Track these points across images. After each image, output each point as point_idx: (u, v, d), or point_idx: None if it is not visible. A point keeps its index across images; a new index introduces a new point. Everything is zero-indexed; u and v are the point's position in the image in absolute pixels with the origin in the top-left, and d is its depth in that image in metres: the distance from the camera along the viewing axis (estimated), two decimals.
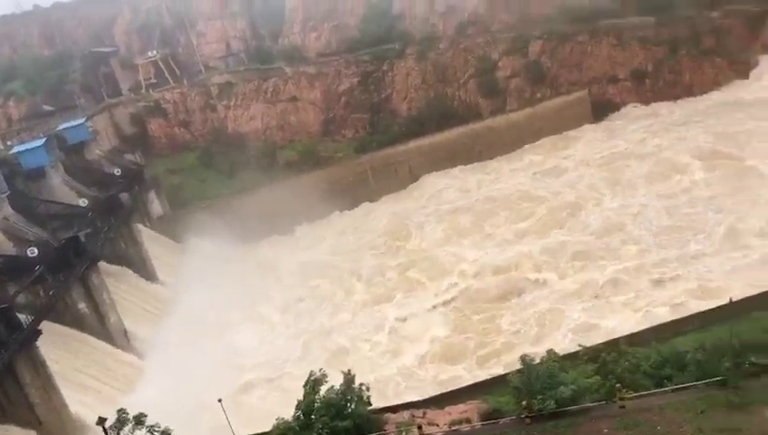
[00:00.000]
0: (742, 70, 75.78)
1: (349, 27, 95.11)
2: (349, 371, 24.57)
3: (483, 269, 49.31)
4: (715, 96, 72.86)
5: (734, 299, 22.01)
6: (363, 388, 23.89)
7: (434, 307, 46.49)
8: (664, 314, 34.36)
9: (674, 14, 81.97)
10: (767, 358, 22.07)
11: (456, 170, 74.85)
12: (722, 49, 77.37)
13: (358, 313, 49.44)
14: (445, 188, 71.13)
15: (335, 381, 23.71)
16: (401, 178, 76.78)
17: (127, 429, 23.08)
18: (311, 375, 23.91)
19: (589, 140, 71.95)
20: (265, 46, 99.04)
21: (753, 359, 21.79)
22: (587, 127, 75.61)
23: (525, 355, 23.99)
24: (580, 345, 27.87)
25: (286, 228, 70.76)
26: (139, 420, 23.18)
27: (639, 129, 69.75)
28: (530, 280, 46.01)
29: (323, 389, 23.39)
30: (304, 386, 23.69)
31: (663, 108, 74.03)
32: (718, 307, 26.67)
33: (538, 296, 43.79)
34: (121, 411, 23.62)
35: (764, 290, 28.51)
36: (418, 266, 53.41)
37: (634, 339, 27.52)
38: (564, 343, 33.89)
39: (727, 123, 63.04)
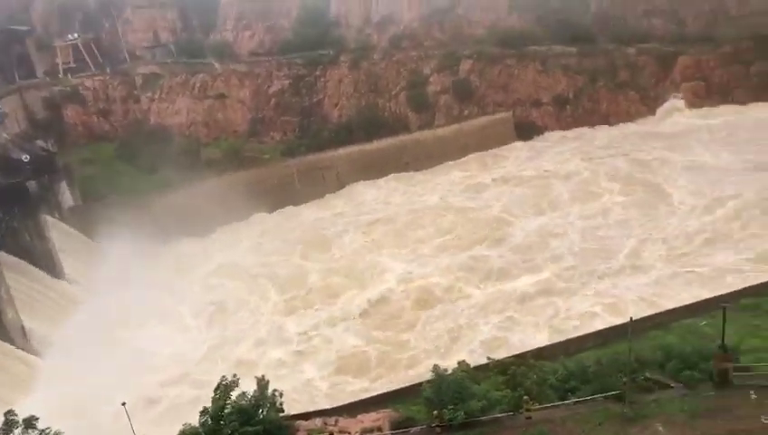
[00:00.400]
0: (651, 105, 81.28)
1: (283, 29, 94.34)
2: (263, 376, 24.19)
3: (400, 281, 49.47)
4: (630, 127, 77.67)
5: (634, 318, 23.40)
6: (276, 394, 23.59)
7: (347, 318, 45.86)
8: (570, 330, 36.04)
9: (595, 46, 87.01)
10: (660, 374, 23.64)
11: (383, 180, 75.49)
12: (635, 83, 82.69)
13: (270, 320, 48.21)
14: (370, 198, 71.58)
15: (246, 387, 23.26)
16: (328, 184, 76.56)
17: (17, 432, 21.61)
18: (222, 380, 23.34)
19: (514, 159, 74.90)
20: (196, 40, 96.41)
21: (647, 375, 23.30)
22: (512, 146, 78.60)
23: (437, 366, 24.48)
24: (489, 358, 28.75)
25: (207, 229, 68.63)
26: (30, 423, 21.72)
27: (564, 151, 73.22)
28: (446, 293, 46.68)
29: (234, 394, 22.90)
30: (215, 391, 23.09)
31: (583, 133, 77.88)
32: (620, 325, 28.37)
33: (452, 310, 44.53)
34: (9, 413, 22.09)
35: (660, 311, 30.58)
36: (336, 275, 52.73)
37: (542, 353, 28.69)
38: (475, 357, 34.71)
39: (643, 151, 67.52)
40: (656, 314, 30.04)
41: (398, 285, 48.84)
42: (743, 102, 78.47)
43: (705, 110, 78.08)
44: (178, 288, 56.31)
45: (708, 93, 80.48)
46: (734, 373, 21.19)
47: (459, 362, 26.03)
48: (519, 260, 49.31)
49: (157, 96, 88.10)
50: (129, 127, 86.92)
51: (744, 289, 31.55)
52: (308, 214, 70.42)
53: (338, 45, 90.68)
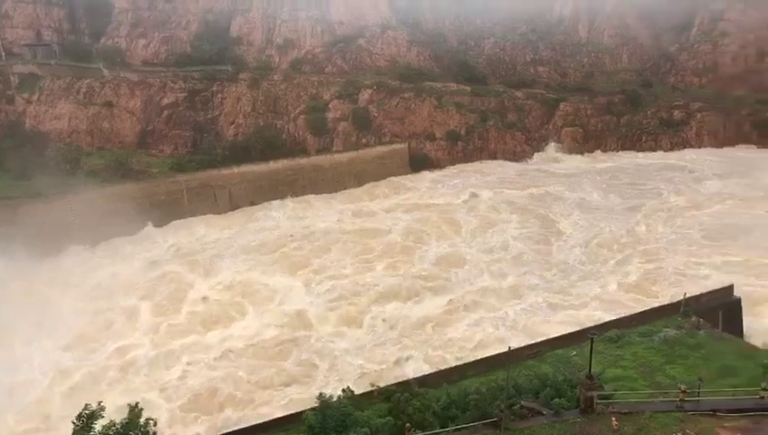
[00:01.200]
0: (536, 145, 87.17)
1: (181, 41, 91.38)
2: (137, 404, 22.77)
3: (278, 311, 47.19)
4: (524, 165, 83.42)
5: (512, 347, 24.60)
6: (150, 423, 22.27)
7: (217, 348, 42.65)
8: (448, 359, 37.21)
9: (487, 88, 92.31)
10: (535, 401, 24.91)
11: (278, 202, 74.38)
12: (522, 125, 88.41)
13: (132, 350, 43.70)
14: (263, 220, 70.15)
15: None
16: (220, 203, 74.25)
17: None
18: (85, 408, 21.66)
19: (411, 188, 76.55)
20: (83, 43, 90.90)
21: (522, 402, 24.47)
22: (409, 176, 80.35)
23: (323, 394, 24.25)
24: (372, 385, 28.91)
25: (82, 243, 63.84)
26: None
27: (461, 183, 76.07)
28: (322, 324, 45.35)
29: (101, 423, 21.31)
30: (76, 419, 21.40)
31: (480, 168, 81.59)
32: (499, 354, 29.69)
33: (326, 341, 43.72)
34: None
35: (536, 341, 32.41)
36: (208, 304, 49.36)
37: (427, 380, 29.27)
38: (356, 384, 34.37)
39: (537, 186, 72.50)
40: (532, 344, 31.77)
41: (275, 316, 46.30)
42: (614, 149, 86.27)
43: (594, 154, 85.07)
44: (46, 308, 51.53)
45: (585, 139, 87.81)
46: (598, 401, 22.75)
47: (344, 390, 25.98)
48: (407, 288, 49.92)
49: (35, 98, 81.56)
50: (0, 129, 79.78)
51: (609, 322, 34.19)
52: (195, 231, 67.58)
53: (238, 63, 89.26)
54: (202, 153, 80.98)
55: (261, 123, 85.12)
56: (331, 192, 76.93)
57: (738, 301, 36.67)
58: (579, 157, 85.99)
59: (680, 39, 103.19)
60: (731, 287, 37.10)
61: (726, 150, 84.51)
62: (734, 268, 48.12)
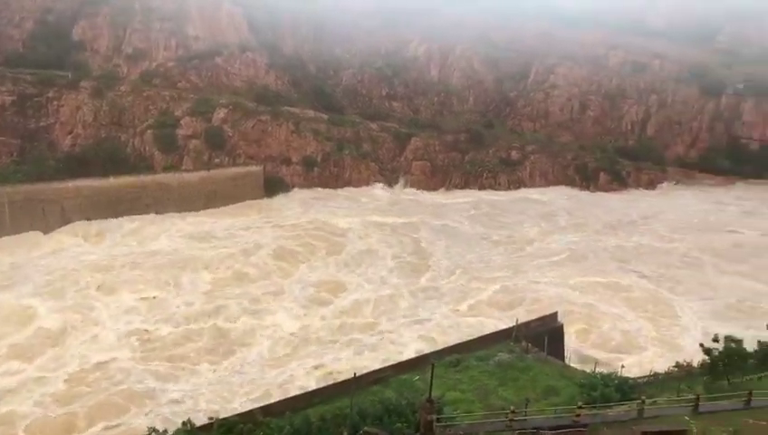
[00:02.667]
0: (388, 176, 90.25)
1: (12, 39, 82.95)
2: None
3: (93, 347, 42.98)
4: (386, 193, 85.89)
5: (357, 374, 24.87)
6: None
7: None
8: (298, 387, 36.66)
9: (344, 117, 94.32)
10: (379, 427, 25.31)
11: (117, 220, 69.20)
12: (376, 156, 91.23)
13: None
14: (95, 239, 64.74)
15: None
16: (49, 219, 67.38)
17: None
18: None
19: (266, 212, 75.29)
20: None
21: (366, 428, 24.73)
22: (263, 201, 78.83)
23: (153, 428, 22.74)
24: (211, 418, 27.62)
25: None
26: None
27: (321, 208, 76.46)
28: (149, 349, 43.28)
29: None
30: None
31: (335, 194, 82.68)
32: (345, 381, 29.93)
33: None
34: None
35: (379, 368, 33.15)
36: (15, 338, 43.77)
37: (271, 410, 28.55)
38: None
39: (407, 216, 75.19)
40: (377, 369, 32.39)
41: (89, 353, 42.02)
42: (458, 184, 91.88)
43: (457, 191, 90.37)
44: None
45: (433, 173, 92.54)
46: (437, 424, 23.70)
47: (183, 423, 24.55)
48: (252, 317, 48.26)
49: None
50: None
51: (450, 347, 35.99)
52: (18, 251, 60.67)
53: (80, 70, 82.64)
54: (30, 164, 73.30)
55: (103, 135, 79.26)
56: (179, 211, 73.14)
57: (561, 326, 40.44)
58: (441, 191, 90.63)
59: (519, 86, 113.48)
60: (555, 314, 40.83)
61: (577, 191, 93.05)
62: (572, 286, 54.45)
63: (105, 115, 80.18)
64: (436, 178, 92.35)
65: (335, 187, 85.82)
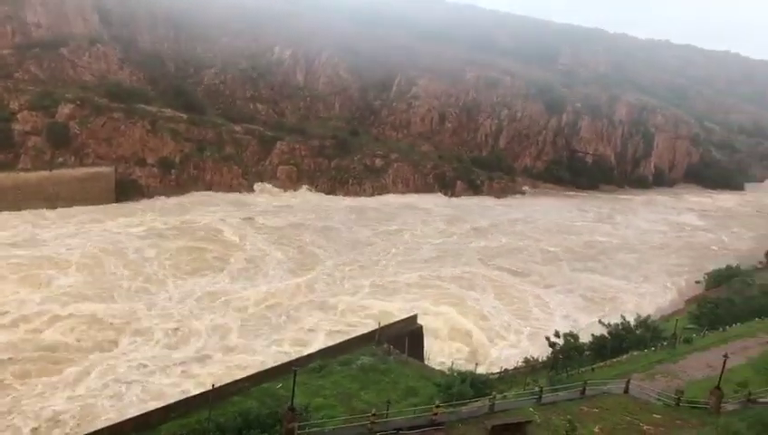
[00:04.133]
0: (252, 180, 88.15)
1: None
2: None
3: None
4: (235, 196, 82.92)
5: (216, 385, 23.91)
6: None
7: None
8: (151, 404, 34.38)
9: (205, 118, 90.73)
10: None
11: None
12: (240, 159, 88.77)
13: None
14: None
15: None
16: None
17: None
18: None
19: (123, 214, 69.65)
20: None
21: None
22: (111, 206, 72.61)
23: None
24: None
25: None
26: None
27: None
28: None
29: None
30: None
31: (186, 200, 78.53)
32: (203, 392, 28.61)
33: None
34: None
35: (240, 378, 32.13)
36: None
37: (123, 428, 26.56)
38: None
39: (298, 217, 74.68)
40: (237, 380, 31.26)
41: None
42: (324, 190, 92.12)
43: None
44: None
45: (299, 178, 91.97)
46: (299, 432, 23.46)
47: None
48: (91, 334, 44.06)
49: None
50: None
51: (314, 353, 35.76)
52: None
53: None
54: None
55: None
56: (11, 210, 65.19)
57: (420, 328, 41.86)
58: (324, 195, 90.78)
59: (382, 96, 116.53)
60: (415, 317, 42.19)
61: (442, 197, 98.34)
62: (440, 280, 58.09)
63: None
64: (302, 183, 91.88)
65: (195, 190, 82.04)
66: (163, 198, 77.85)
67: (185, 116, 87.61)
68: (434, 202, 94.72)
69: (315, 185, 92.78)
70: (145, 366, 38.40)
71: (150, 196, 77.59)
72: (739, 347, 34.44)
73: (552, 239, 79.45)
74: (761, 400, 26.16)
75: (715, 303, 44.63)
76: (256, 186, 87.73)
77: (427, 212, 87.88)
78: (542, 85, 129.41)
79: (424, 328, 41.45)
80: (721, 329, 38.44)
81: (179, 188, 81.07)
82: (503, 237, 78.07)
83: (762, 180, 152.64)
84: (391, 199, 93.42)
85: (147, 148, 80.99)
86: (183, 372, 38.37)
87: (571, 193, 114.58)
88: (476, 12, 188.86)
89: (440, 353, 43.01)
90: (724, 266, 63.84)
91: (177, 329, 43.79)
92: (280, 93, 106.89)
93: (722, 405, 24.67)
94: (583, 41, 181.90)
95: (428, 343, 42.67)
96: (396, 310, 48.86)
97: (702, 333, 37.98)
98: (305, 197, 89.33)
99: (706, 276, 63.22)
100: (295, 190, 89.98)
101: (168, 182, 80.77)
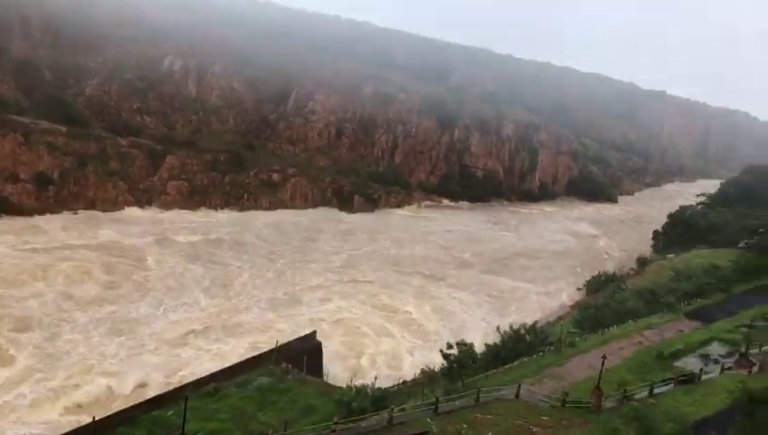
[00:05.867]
0: (140, 196, 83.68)
1: None
2: None
3: None
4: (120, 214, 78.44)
5: (97, 418, 22.34)
6: None
7: None
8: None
9: (87, 131, 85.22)
10: None
11: None
12: (126, 174, 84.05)
13: None
14: None
15: None
16: None
17: None
18: None
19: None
20: None
21: None
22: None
23: None
24: None
25: None
26: None
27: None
28: None
29: None
30: None
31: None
32: (84, 426, 26.74)
33: None
34: None
35: (125, 407, 30.21)
36: None
37: None
38: None
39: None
40: (121, 410, 29.38)
41: None
42: (218, 205, 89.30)
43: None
44: None
45: (191, 194, 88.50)
46: None
47: None
48: None
49: None
50: None
51: (207, 376, 34.23)
52: None
53: None
54: None
55: None
56: None
57: (319, 345, 41.52)
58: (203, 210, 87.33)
59: (279, 109, 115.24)
60: (314, 333, 41.82)
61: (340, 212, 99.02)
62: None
63: None
64: (194, 199, 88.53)
65: (76, 208, 76.58)
66: (37, 216, 72.01)
67: (64, 128, 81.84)
68: (335, 217, 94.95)
69: (209, 201, 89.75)
70: None
71: (29, 213, 71.54)
72: (616, 348, 37.10)
73: (463, 248, 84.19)
74: (636, 396, 28.26)
75: (594, 307, 47.81)
76: (147, 202, 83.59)
77: (336, 225, 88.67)
78: (435, 101, 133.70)
79: (338, 338, 41.34)
80: (600, 332, 41.19)
81: (59, 205, 75.38)
82: (422, 246, 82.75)
83: (631, 193, 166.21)
84: (289, 214, 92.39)
85: (19, 162, 74.75)
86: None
87: (465, 206, 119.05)
88: (373, 28, 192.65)
89: (349, 367, 43.11)
90: (600, 273, 68.89)
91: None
92: (170, 105, 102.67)
93: (602, 403, 26.40)
94: (473, 60, 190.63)
95: (340, 354, 42.75)
96: (306, 322, 48.96)
97: (584, 337, 40.50)
98: (206, 213, 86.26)
99: (586, 283, 67.78)
100: (187, 206, 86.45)
101: (46, 199, 74.84)
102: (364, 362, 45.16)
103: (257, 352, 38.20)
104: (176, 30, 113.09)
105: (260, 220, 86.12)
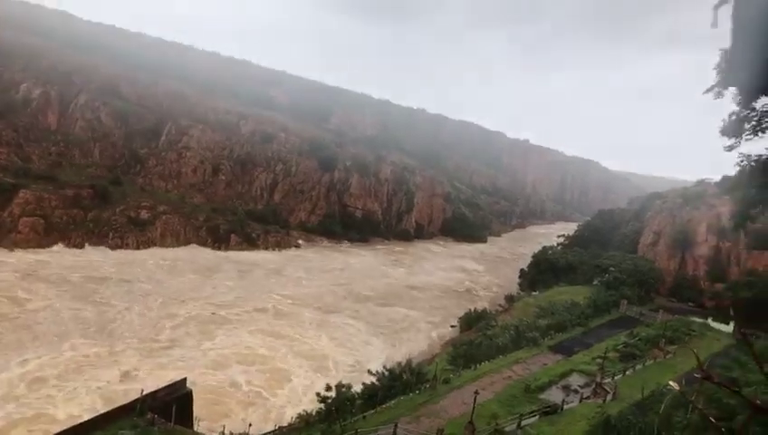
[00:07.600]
0: None
1: None
2: None
3: None
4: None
5: None
6: None
7: None
8: None
9: None
10: None
11: None
12: None
13: None
14: None
15: None
16: None
17: None
18: None
19: None
20: None
21: None
22: None
23: None
24: None
25: None
26: None
27: None
28: None
29: None
30: None
31: None
32: None
33: None
34: None
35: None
36: None
37: None
38: None
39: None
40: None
41: None
42: (79, 244, 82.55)
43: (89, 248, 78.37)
44: None
45: (47, 231, 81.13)
46: None
47: None
48: None
49: None
50: None
51: (61, 432, 31.09)
52: None
53: None
54: None
55: None
56: None
57: (189, 393, 39.00)
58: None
59: (150, 144, 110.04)
60: (184, 380, 39.24)
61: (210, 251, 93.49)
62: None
63: None
64: (51, 237, 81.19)
65: None
66: None
67: None
68: (202, 256, 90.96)
69: (68, 239, 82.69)
70: None
71: None
72: (488, 383, 38.56)
73: (368, 282, 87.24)
74: (506, 429, 29.40)
75: (467, 344, 49.57)
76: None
77: (206, 265, 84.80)
78: (315, 142, 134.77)
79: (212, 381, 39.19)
80: (473, 367, 42.66)
81: None
82: (312, 282, 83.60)
83: (499, 234, 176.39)
84: (161, 253, 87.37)
85: None
86: None
87: (345, 245, 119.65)
88: (253, 68, 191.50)
89: (223, 412, 41.08)
90: (473, 310, 71.84)
91: None
92: (25, 136, 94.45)
93: None
94: (353, 104, 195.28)
95: (213, 400, 40.45)
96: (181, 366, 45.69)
97: (458, 373, 41.73)
98: (60, 253, 79.01)
99: (459, 320, 70.28)
100: (42, 244, 78.98)
101: None
102: (237, 407, 43.21)
103: (120, 404, 35.22)
104: (33, 55, 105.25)
105: (136, 258, 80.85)
